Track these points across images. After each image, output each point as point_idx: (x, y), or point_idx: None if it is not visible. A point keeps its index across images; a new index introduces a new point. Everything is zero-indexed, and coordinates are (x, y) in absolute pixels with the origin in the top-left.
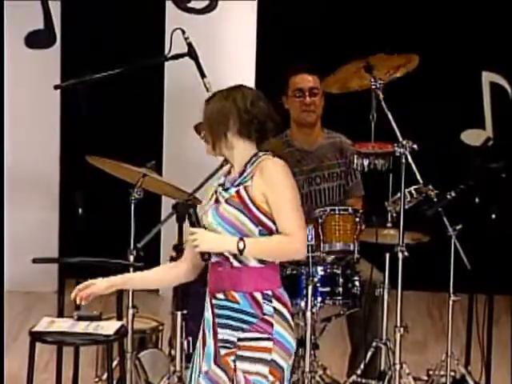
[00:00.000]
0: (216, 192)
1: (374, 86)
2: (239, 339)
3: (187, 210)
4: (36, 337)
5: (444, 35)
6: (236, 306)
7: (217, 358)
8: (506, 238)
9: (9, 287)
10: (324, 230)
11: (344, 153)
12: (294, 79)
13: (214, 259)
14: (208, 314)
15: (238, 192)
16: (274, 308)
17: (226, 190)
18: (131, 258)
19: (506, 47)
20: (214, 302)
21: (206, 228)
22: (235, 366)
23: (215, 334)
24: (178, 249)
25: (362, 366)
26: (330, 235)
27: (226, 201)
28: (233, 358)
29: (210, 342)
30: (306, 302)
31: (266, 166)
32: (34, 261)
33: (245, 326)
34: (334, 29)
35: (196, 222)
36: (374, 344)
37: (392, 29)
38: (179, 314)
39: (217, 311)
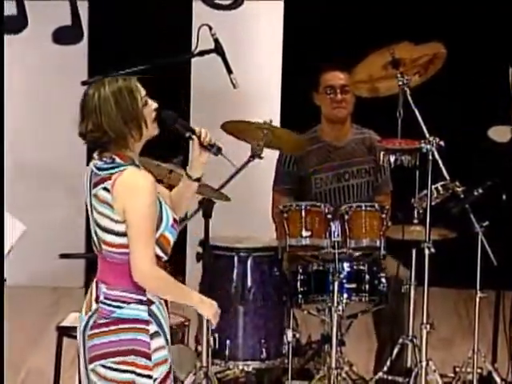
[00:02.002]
0: None
1: (400, 83)
2: None
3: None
4: (63, 332)
5: (471, 30)
6: None
7: None
8: None
9: (36, 282)
10: (350, 226)
11: (373, 149)
12: (325, 76)
13: (166, 257)
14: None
15: None
16: None
17: None
18: None
19: None
20: None
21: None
22: None
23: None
24: (204, 244)
25: (388, 363)
26: (357, 231)
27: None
28: None
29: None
30: (332, 299)
31: None
32: (62, 256)
33: None
34: (360, 24)
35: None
36: (400, 341)
37: (419, 27)
38: None
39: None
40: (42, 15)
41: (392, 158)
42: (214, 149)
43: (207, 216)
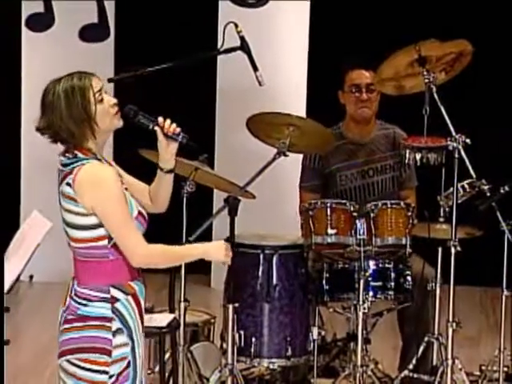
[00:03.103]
0: None
1: (427, 80)
2: None
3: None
4: None
5: (498, 27)
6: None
7: None
8: None
9: (59, 279)
10: (376, 224)
11: (397, 144)
12: (351, 75)
13: None
14: (143, 303)
15: None
16: None
17: None
18: None
19: None
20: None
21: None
22: None
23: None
24: (230, 242)
25: (413, 361)
26: (382, 229)
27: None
28: None
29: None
30: (358, 297)
31: None
32: None
33: None
34: (387, 22)
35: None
36: (425, 339)
37: (445, 24)
38: (231, 307)
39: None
40: (68, 13)
41: (418, 156)
42: (179, 137)
43: (233, 214)
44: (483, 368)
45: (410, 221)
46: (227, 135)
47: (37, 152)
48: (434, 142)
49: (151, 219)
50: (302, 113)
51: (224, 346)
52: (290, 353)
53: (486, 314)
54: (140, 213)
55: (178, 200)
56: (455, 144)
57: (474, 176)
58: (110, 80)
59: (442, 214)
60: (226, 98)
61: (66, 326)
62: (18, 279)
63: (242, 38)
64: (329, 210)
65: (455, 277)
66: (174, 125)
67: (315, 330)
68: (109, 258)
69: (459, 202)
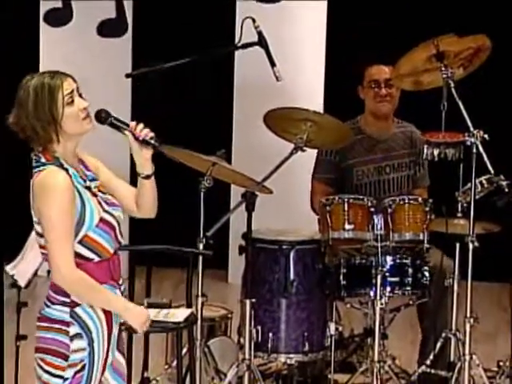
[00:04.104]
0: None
1: (445, 75)
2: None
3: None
4: None
5: None
6: (125, 285)
7: (119, 342)
8: None
9: None
10: (393, 219)
11: (414, 142)
12: (370, 70)
13: (112, 250)
14: None
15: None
16: None
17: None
18: (200, 246)
19: None
20: (121, 289)
21: (118, 221)
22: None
23: (117, 322)
24: (247, 237)
25: (431, 357)
26: (400, 225)
27: (100, 190)
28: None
29: (115, 331)
30: (375, 292)
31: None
32: None
33: None
34: (405, 17)
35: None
36: (443, 335)
37: (463, 19)
38: (248, 302)
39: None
40: (86, 8)
41: (436, 152)
42: (151, 144)
43: (250, 209)
44: (501, 364)
45: (428, 216)
46: (244, 130)
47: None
48: (451, 138)
49: (167, 216)
50: (320, 108)
51: (241, 341)
52: (307, 348)
53: (504, 310)
54: (103, 219)
55: (195, 195)
56: (473, 139)
57: (492, 171)
58: (127, 75)
59: (459, 210)
60: (244, 93)
61: (37, 323)
62: (35, 274)
63: (260, 33)
64: (346, 205)
65: (473, 272)
66: (147, 130)
67: (332, 326)
68: None
69: (477, 197)
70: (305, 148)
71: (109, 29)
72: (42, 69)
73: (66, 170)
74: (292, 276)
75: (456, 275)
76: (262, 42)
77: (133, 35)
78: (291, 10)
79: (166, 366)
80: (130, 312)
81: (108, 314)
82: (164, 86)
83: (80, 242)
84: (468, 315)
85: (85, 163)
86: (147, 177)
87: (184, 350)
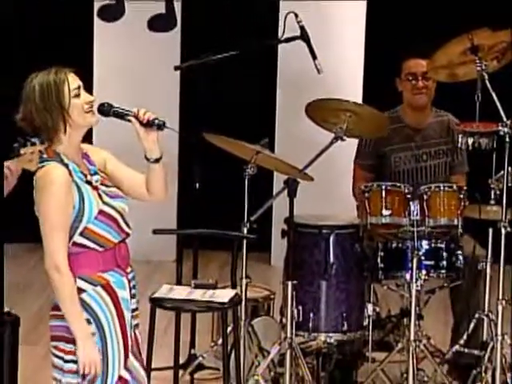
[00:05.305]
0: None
1: (479, 68)
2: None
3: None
4: (156, 303)
5: None
6: (134, 273)
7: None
8: None
9: (132, 256)
10: (429, 205)
11: (451, 131)
12: (408, 63)
13: (118, 240)
14: (126, 294)
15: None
16: None
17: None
18: (245, 231)
19: None
20: (129, 277)
21: (120, 212)
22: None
23: (128, 308)
24: (289, 222)
25: (464, 337)
26: (435, 211)
27: (104, 183)
28: (135, 322)
29: (128, 314)
30: (411, 275)
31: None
32: (155, 232)
33: (135, 291)
34: (441, 11)
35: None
36: (476, 316)
37: (497, 13)
38: (290, 283)
39: (131, 286)
40: (138, 4)
41: (470, 141)
42: (155, 125)
43: (292, 195)
44: None
45: (462, 203)
46: (287, 121)
47: (106, 137)
48: (485, 128)
49: (213, 201)
50: (359, 99)
51: (283, 320)
52: (346, 328)
53: None
54: (102, 212)
55: (240, 182)
56: (506, 129)
57: None
58: (176, 68)
59: (492, 197)
60: (286, 85)
61: (50, 312)
62: None
63: (302, 28)
64: (384, 192)
65: (505, 256)
66: (149, 113)
67: (370, 306)
68: (73, 253)
69: (510, 184)
70: (344, 137)
71: (159, 24)
72: (96, 62)
73: (66, 165)
74: (331, 259)
75: (489, 259)
76: (304, 35)
77: (181, 29)
78: (332, 4)
79: (212, 344)
80: (85, 342)
81: (113, 294)
82: (211, 78)
83: (81, 234)
84: (500, 297)
85: (89, 157)
86: (156, 160)
87: (229, 329)
